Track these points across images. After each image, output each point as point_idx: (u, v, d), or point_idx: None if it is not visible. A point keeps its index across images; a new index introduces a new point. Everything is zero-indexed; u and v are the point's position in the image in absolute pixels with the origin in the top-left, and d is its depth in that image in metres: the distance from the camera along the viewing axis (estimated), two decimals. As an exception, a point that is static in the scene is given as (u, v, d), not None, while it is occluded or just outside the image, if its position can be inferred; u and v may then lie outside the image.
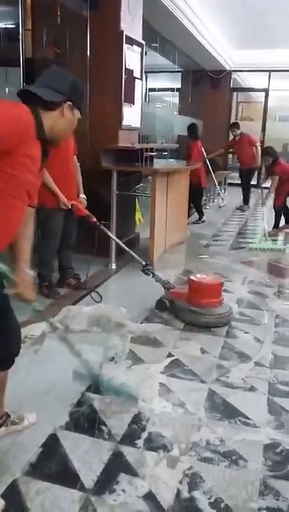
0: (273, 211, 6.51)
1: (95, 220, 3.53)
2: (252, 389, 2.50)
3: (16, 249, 1.80)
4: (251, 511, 1.68)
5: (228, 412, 2.27)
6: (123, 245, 3.73)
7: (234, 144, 8.75)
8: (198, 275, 3.49)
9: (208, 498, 1.72)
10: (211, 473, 1.86)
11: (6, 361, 1.88)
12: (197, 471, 1.86)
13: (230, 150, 9.29)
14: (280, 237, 6.26)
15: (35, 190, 1.76)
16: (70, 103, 1.72)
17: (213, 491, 1.76)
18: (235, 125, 8.79)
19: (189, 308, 3.31)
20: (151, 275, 3.60)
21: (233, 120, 12.64)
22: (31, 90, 1.66)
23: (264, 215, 6.25)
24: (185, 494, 1.74)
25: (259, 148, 8.39)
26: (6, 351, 1.85)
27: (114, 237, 3.83)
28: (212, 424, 2.17)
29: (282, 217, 6.51)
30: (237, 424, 2.18)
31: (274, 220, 6.55)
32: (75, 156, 3.80)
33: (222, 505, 1.70)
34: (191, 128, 7.48)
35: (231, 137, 8.90)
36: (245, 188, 8.86)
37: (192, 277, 3.44)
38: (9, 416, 2.04)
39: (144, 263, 3.64)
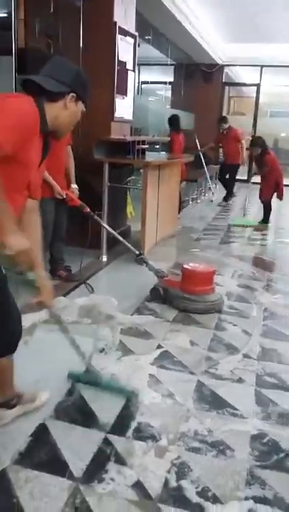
0: (262, 204, 6.55)
1: (88, 209, 3.53)
2: (240, 380, 2.53)
3: None
4: (238, 500, 1.71)
5: (216, 403, 2.30)
6: (116, 235, 3.77)
7: (222, 138, 8.73)
8: (191, 264, 3.60)
9: (196, 488, 1.75)
10: (199, 462, 1.88)
11: (11, 345, 1.88)
12: (185, 460, 1.89)
13: (220, 144, 9.28)
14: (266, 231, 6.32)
15: (37, 184, 1.72)
16: (73, 94, 1.67)
17: (201, 481, 1.78)
18: (223, 119, 8.77)
19: (183, 296, 3.39)
20: (145, 264, 3.65)
21: (224, 114, 12.66)
22: (34, 80, 1.61)
23: (247, 196, 6.33)
24: (173, 483, 1.76)
25: (244, 144, 8.35)
26: (9, 335, 1.85)
27: (107, 227, 3.85)
28: (200, 414, 2.20)
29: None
30: (225, 415, 2.21)
31: (263, 213, 6.59)
32: (69, 147, 3.79)
33: (209, 494, 1.72)
34: (173, 119, 7.23)
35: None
36: (231, 185, 8.82)
37: (186, 266, 3.54)
38: (21, 396, 2.06)
39: (137, 252, 3.70)
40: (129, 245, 3.75)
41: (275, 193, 6.40)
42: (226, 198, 8.77)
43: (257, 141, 6.30)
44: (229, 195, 8.82)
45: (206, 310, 3.37)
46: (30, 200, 1.77)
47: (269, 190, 6.32)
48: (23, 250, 1.55)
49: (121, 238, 3.76)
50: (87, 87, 1.77)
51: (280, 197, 6.42)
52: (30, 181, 1.68)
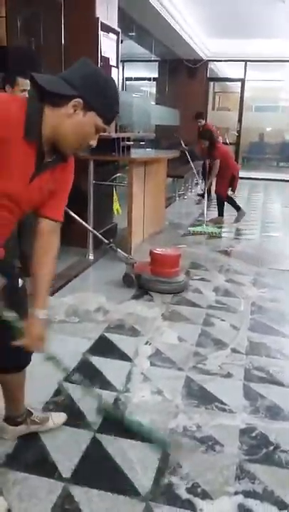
0: (216, 198, 6.59)
1: None
2: (228, 375, 2.53)
3: (34, 284, 1.54)
4: (228, 495, 1.71)
5: (204, 398, 2.30)
6: (86, 224, 3.92)
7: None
8: (158, 249, 3.87)
9: (186, 484, 1.74)
10: (188, 458, 1.88)
11: (22, 358, 1.73)
12: (174, 457, 1.88)
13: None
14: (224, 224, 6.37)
15: (28, 202, 1.46)
16: (79, 100, 1.33)
17: (190, 476, 1.78)
18: (200, 115, 8.60)
19: (153, 279, 3.67)
20: (115, 252, 3.79)
21: (210, 110, 12.68)
22: (33, 76, 1.36)
23: (205, 201, 6.35)
24: (162, 480, 1.76)
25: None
26: (19, 351, 1.59)
27: (78, 218, 3.83)
28: (189, 410, 2.19)
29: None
30: (213, 410, 2.21)
31: (217, 207, 6.62)
32: None
33: (199, 490, 1.72)
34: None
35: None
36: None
37: (154, 250, 3.80)
38: (31, 414, 1.93)
39: (106, 241, 3.83)
40: (98, 234, 3.93)
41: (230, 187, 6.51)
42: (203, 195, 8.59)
43: (204, 135, 6.37)
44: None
45: (173, 290, 3.67)
46: (48, 222, 1.56)
47: (225, 184, 6.40)
48: (38, 330, 1.54)
49: (90, 228, 3.97)
50: (104, 95, 1.38)
51: (233, 189, 6.56)
52: (11, 194, 1.40)
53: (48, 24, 4.69)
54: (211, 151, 6.22)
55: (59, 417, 2.01)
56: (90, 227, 3.95)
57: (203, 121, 8.43)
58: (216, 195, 6.71)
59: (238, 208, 6.58)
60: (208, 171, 6.60)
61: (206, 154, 6.36)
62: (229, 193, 6.57)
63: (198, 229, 5.93)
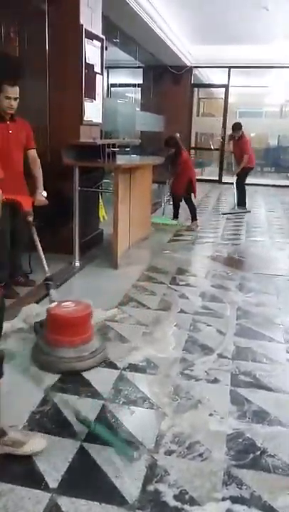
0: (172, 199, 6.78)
1: (31, 219, 3.35)
2: (215, 380, 2.54)
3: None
4: (215, 501, 1.71)
5: (192, 404, 2.30)
6: (41, 252, 3.28)
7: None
8: (59, 304, 2.75)
9: (173, 491, 1.74)
10: (176, 465, 1.88)
11: None
12: (162, 464, 1.88)
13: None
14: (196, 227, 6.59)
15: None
16: None
17: (178, 483, 1.78)
18: (237, 127, 8.06)
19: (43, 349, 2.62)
20: (48, 290, 3.10)
21: (194, 116, 12.77)
22: None
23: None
24: (150, 488, 1.75)
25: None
26: None
27: (38, 242, 3.34)
28: (176, 416, 2.19)
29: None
30: (201, 416, 2.21)
31: (173, 208, 6.79)
32: (33, 151, 3.71)
33: (186, 496, 1.72)
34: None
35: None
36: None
37: (52, 307, 2.73)
38: (4, 434, 1.84)
39: (48, 274, 3.19)
40: (44, 262, 3.23)
41: (192, 193, 6.68)
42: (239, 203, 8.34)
43: (170, 141, 6.47)
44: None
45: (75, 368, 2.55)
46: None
47: (181, 186, 6.55)
48: None
49: (41, 253, 3.27)
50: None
51: (194, 193, 6.71)
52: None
53: (32, 31, 4.69)
54: (175, 158, 6.37)
55: (38, 444, 1.89)
56: (41, 251, 3.26)
57: (240, 132, 7.98)
58: (172, 196, 6.93)
59: (176, 215, 6.87)
60: (174, 177, 6.71)
61: (170, 161, 6.45)
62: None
63: (157, 220, 6.30)
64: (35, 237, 3.33)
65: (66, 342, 2.56)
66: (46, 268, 3.20)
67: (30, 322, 3.01)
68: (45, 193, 3.69)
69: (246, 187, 8.32)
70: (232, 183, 8.42)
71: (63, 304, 2.73)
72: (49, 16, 4.54)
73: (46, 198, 3.69)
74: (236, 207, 8.19)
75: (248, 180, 8.47)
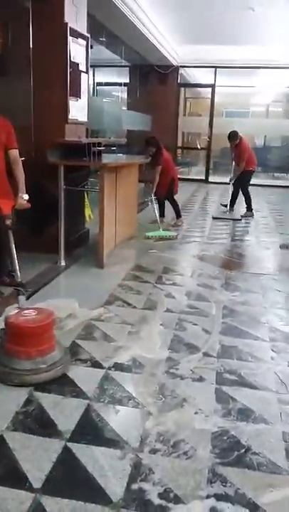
0: (156, 201, 6.68)
1: (8, 223, 3.28)
2: (200, 379, 2.54)
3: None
4: (200, 499, 1.71)
5: (176, 403, 2.30)
6: (14, 256, 3.06)
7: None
8: (25, 311, 2.59)
9: (158, 489, 1.74)
10: (161, 464, 1.88)
11: None
12: (147, 463, 1.88)
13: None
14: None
15: None
16: None
17: (162, 482, 1.78)
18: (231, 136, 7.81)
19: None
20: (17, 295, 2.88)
21: (181, 115, 12.79)
22: None
23: (154, 205, 6.46)
24: (134, 486, 1.75)
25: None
26: None
27: (13, 246, 3.11)
28: (161, 415, 2.19)
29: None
30: (186, 414, 2.22)
31: (159, 209, 6.73)
32: (15, 151, 3.58)
33: (171, 495, 1.72)
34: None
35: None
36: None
37: (9, 315, 2.58)
38: None
39: (18, 280, 3.00)
40: (16, 266, 3.02)
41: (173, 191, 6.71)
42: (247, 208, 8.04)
43: (151, 141, 6.47)
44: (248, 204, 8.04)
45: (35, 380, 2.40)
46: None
47: (164, 187, 6.54)
48: None
49: (15, 256, 3.05)
50: None
51: (175, 192, 6.76)
52: None
53: (16, 29, 4.65)
54: (156, 158, 6.34)
55: None
56: (15, 256, 3.04)
57: (237, 141, 7.72)
58: (156, 198, 6.82)
59: (162, 214, 6.82)
60: (150, 178, 6.65)
61: (151, 161, 6.39)
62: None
63: (156, 233, 6.00)
64: (11, 241, 3.24)
65: (22, 353, 2.41)
66: (18, 273, 3.11)
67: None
68: (26, 196, 3.54)
69: (234, 187, 7.97)
70: (218, 183, 8.30)
71: (24, 311, 2.57)
72: (33, 13, 4.49)
73: (28, 200, 3.59)
74: (229, 211, 7.87)
75: (225, 179, 8.34)
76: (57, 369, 2.46)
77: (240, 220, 7.46)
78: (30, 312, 2.56)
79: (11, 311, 3.04)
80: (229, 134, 7.78)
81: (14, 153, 3.55)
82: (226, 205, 8.04)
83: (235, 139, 7.69)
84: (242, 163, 7.62)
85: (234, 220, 7.45)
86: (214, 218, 7.50)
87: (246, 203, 7.87)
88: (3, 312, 3.15)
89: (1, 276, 3.82)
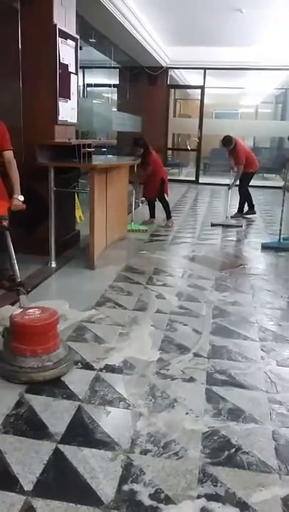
0: (146, 202, 6.80)
1: (4, 224, 3.25)
2: (191, 380, 2.55)
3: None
4: (190, 499, 1.72)
5: (167, 403, 2.31)
6: (13, 257, 3.19)
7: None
8: (29, 310, 2.61)
9: (148, 490, 1.74)
10: (151, 464, 1.88)
11: None
12: (137, 463, 1.88)
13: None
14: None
15: None
16: None
17: (153, 483, 1.78)
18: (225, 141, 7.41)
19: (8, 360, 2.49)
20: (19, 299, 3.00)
21: (170, 117, 12.80)
22: None
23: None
24: (125, 487, 1.75)
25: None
26: None
27: (11, 247, 3.25)
28: (152, 416, 2.20)
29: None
30: (176, 415, 2.22)
31: (149, 210, 6.83)
32: (10, 152, 3.59)
33: (162, 495, 1.72)
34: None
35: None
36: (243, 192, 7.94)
37: (13, 314, 2.59)
38: None
39: (18, 280, 3.12)
40: (16, 268, 3.15)
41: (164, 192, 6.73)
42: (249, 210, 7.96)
43: (138, 142, 6.48)
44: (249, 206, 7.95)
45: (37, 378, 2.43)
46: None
47: (154, 188, 6.60)
48: None
49: (13, 257, 3.17)
50: None
51: (166, 193, 6.78)
52: None
53: (4, 31, 4.63)
54: (145, 159, 6.37)
55: None
56: (14, 257, 3.16)
57: (231, 146, 7.34)
58: (146, 200, 6.96)
59: (153, 215, 6.89)
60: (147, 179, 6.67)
61: (141, 161, 6.39)
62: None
63: (133, 227, 6.23)
64: (9, 242, 3.26)
65: (28, 351, 2.44)
66: (17, 273, 3.14)
67: (5, 324, 2.97)
68: (21, 197, 3.57)
69: (239, 193, 7.82)
70: (208, 184, 8.29)
71: (28, 310, 2.60)
72: (22, 14, 4.49)
73: (23, 202, 3.62)
74: (229, 217, 7.44)
75: (215, 180, 8.26)
76: (62, 367, 2.50)
77: (241, 226, 7.02)
78: (35, 311, 2.59)
79: (7, 311, 3.05)
80: (223, 139, 7.34)
81: (8, 154, 3.56)
82: (237, 216, 7.67)
83: (230, 143, 7.24)
84: (241, 167, 7.28)
85: (236, 226, 7.01)
86: (213, 225, 7.02)
87: (239, 204, 7.81)
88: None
89: (0, 280, 3.81)
